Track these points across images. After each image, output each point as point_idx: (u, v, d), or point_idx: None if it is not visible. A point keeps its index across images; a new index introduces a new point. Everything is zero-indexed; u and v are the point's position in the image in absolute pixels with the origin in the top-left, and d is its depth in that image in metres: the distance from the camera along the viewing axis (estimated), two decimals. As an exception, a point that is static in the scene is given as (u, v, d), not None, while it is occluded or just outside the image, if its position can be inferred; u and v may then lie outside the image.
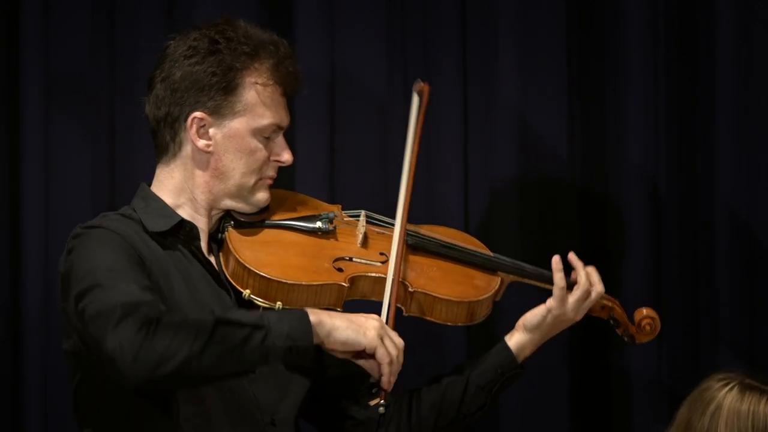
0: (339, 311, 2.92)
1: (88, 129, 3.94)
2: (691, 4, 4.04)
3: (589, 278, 3.12)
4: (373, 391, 2.81)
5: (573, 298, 3.09)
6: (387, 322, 2.85)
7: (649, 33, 4.02)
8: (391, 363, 2.76)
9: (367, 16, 4.00)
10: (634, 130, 4.02)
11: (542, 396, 4.00)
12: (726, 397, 3.14)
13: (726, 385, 3.16)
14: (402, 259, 3.00)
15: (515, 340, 3.09)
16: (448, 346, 3.96)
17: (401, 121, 3.97)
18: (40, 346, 3.89)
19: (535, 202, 4.03)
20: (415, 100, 3.16)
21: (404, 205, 3.04)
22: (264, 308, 2.90)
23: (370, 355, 2.76)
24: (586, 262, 3.19)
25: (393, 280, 2.93)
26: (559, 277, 3.08)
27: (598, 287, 3.12)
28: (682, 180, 4.04)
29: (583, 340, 4.01)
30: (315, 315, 2.72)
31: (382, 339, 2.75)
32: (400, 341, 2.79)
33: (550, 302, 3.08)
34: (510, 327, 3.14)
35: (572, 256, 3.13)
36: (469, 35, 4.02)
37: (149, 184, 3.03)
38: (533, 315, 3.09)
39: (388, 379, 2.78)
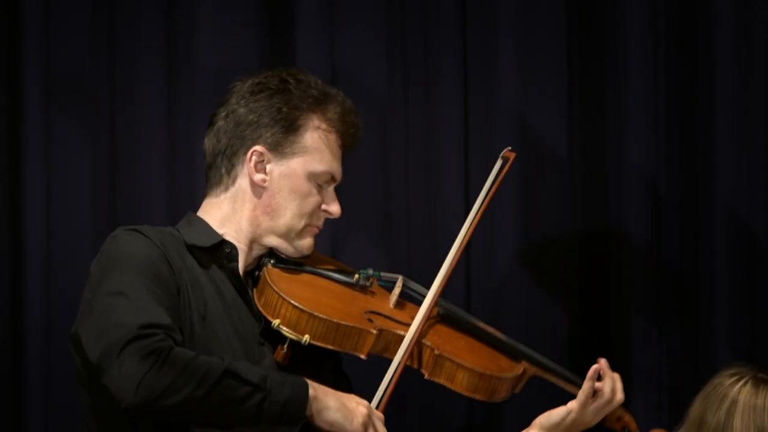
0: (362, 359, 2.94)
1: (89, 129, 3.94)
2: (691, 4, 4.05)
3: (613, 386, 3.11)
4: None
5: (595, 404, 3.09)
6: (379, 403, 2.88)
7: (649, 33, 4.03)
8: None
9: (368, 16, 4.01)
10: (634, 130, 4.03)
11: (542, 395, 4.00)
12: (740, 392, 3.14)
13: (739, 380, 3.15)
14: (427, 326, 3.01)
15: None
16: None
17: (402, 121, 4.00)
18: (42, 346, 3.88)
19: (535, 201, 4.03)
20: (498, 165, 3.19)
21: (446, 272, 3.04)
22: (291, 341, 2.90)
23: None
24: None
25: (407, 348, 2.94)
26: (588, 386, 3.08)
27: (619, 396, 3.13)
28: (682, 180, 4.05)
29: (582, 338, 4.02)
30: (314, 389, 2.75)
31: (366, 428, 2.79)
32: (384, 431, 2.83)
33: (572, 405, 3.08)
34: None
35: (604, 364, 3.12)
36: (469, 35, 4.03)
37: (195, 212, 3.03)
38: (552, 416, 3.10)
39: None
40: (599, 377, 3.10)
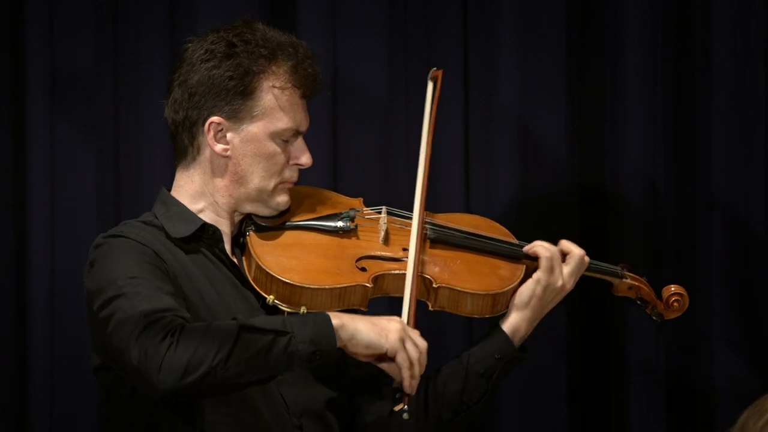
0: (363, 311, 2.92)
1: (92, 127, 3.95)
2: (688, 2, 4.05)
3: (569, 247, 3.10)
4: (396, 396, 2.79)
5: (566, 269, 3.07)
6: (408, 320, 2.84)
7: (647, 32, 4.03)
8: (412, 366, 2.75)
9: (369, 16, 4.01)
10: (633, 128, 4.03)
11: (540, 390, 4.01)
12: None
13: None
14: (421, 255, 2.99)
15: (508, 321, 3.04)
16: (449, 334, 3.98)
17: (403, 121, 4.01)
18: (46, 347, 3.89)
19: (536, 200, 4.04)
20: (429, 87, 3.16)
21: (421, 199, 3.02)
22: (289, 314, 2.89)
23: (392, 358, 2.74)
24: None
25: (412, 278, 2.90)
26: (542, 248, 3.07)
27: (577, 251, 3.09)
28: (681, 177, 4.05)
29: (581, 334, 4.03)
30: (337, 318, 2.71)
31: (403, 342, 2.74)
32: (422, 343, 2.78)
33: (537, 274, 3.04)
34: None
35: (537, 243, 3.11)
36: (469, 35, 4.03)
37: (169, 188, 3.02)
38: (522, 291, 3.04)
39: (409, 383, 2.76)
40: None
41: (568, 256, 3.09)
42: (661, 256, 4.03)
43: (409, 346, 2.75)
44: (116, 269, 2.78)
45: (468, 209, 4.02)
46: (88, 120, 3.94)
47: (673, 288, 3.19)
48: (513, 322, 3.05)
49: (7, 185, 3.91)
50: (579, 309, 4.01)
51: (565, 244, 3.11)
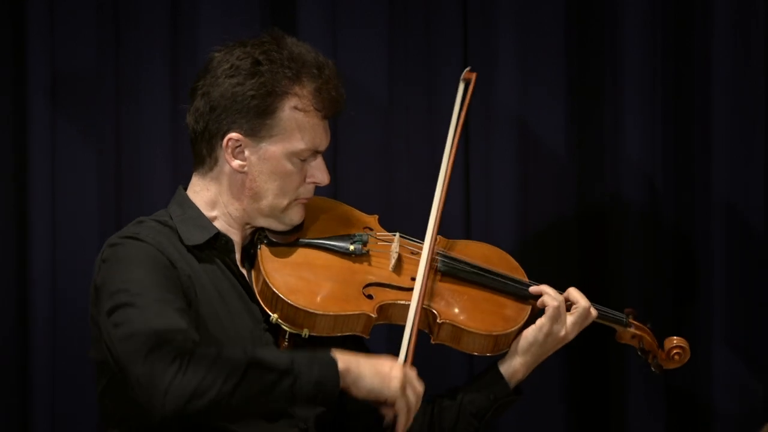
0: (365, 338, 2.94)
1: (94, 128, 3.94)
2: (688, 2, 4.05)
3: (582, 297, 3.10)
4: None
5: (570, 319, 3.08)
6: (406, 356, 2.85)
7: (647, 32, 4.03)
8: (408, 412, 2.78)
9: (369, 17, 4.00)
10: (633, 128, 4.03)
11: (539, 391, 4.01)
12: None
13: None
14: (429, 285, 2.99)
15: (507, 364, 3.08)
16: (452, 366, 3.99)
17: (403, 122, 4.01)
18: (48, 346, 3.88)
19: (535, 200, 4.04)
20: (461, 88, 3.15)
21: (434, 228, 3.02)
22: (291, 334, 2.90)
23: (390, 403, 2.77)
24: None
25: (415, 315, 2.90)
26: (549, 299, 3.07)
27: (583, 303, 3.10)
28: (680, 177, 4.05)
29: (580, 338, 4.03)
30: (343, 362, 2.73)
31: (404, 389, 2.77)
32: (420, 389, 2.81)
33: (541, 320, 3.06)
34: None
35: (537, 287, 3.11)
36: (469, 35, 4.03)
37: (185, 187, 3.02)
38: (524, 336, 3.06)
39: (402, 428, 2.79)
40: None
41: (573, 307, 3.11)
42: (660, 257, 4.03)
43: (409, 392, 2.79)
44: (130, 274, 2.78)
45: (467, 209, 4.01)
46: (88, 120, 3.94)
47: (675, 340, 3.19)
48: (511, 366, 3.08)
49: (8, 185, 3.91)
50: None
51: (573, 294, 3.11)
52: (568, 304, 3.10)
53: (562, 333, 3.08)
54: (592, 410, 4.04)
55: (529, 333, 3.06)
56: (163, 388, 2.63)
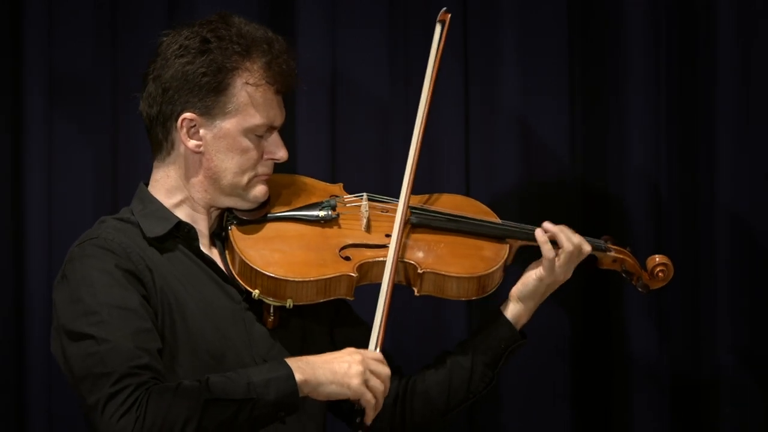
0: (350, 300, 2.96)
1: (91, 128, 3.95)
2: (691, 4, 4.04)
3: (568, 238, 3.10)
4: (357, 420, 2.84)
5: (559, 262, 3.09)
6: (377, 342, 2.87)
7: (650, 34, 4.03)
8: (375, 404, 2.82)
9: (369, 17, 4.01)
10: (636, 130, 4.03)
11: (542, 390, 4.00)
12: None
13: None
14: (404, 240, 3.01)
15: (511, 311, 3.10)
16: (448, 318, 3.97)
17: (403, 121, 4.00)
18: (43, 347, 3.89)
19: (537, 202, 4.03)
20: (437, 31, 3.16)
21: (408, 184, 3.04)
22: (276, 307, 2.91)
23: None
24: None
25: (386, 300, 2.91)
26: (547, 249, 3.08)
27: (577, 243, 3.10)
28: (683, 180, 4.05)
29: (583, 338, 4.02)
30: (300, 373, 2.75)
31: (366, 382, 2.79)
32: (384, 373, 2.83)
33: (540, 272, 3.08)
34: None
35: (547, 225, 3.12)
36: (470, 35, 4.03)
37: (147, 184, 3.03)
38: (525, 285, 3.10)
39: (371, 417, 2.82)
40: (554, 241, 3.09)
41: (560, 250, 3.11)
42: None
43: (372, 383, 2.81)
44: (91, 294, 2.79)
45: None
46: (86, 120, 3.95)
47: (657, 258, 3.21)
48: (515, 312, 3.10)
49: (5, 185, 3.91)
50: (581, 308, 4.00)
51: (562, 237, 3.11)
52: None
53: (561, 278, 3.10)
54: (595, 410, 4.03)
55: (530, 282, 3.09)
56: None
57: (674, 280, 4.01)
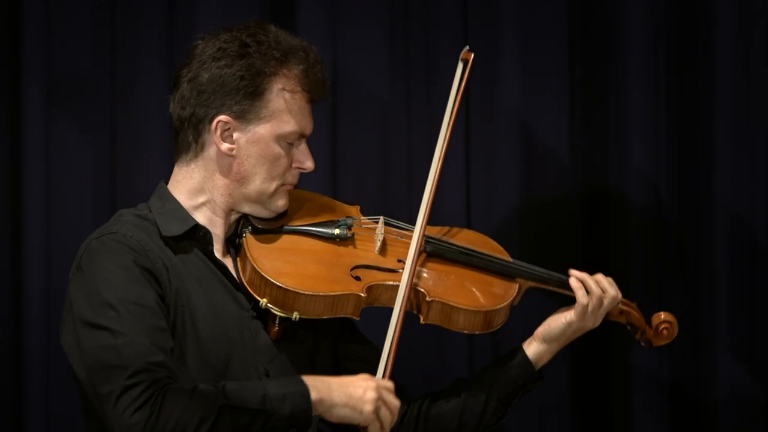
0: (356, 320, 2.96)
1: (90, 128, 3.94)
2: (691, 5, 4.04)
3: (600, 286, 3.10)
4: None
5: (592, 308, 3.08)
6: (385, 371, 2.86)
7: (650, 35, 4.03)
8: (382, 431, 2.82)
9: (369, 16, 4.00)
10: (636, 131, 4.03)
11: (542, 392, 4.00)
12: None
13: None
14: (419, 267, 3.00)
15: (534, 350, 3.09)
16: (449, 348, 3.97)
17: (404, 122, 4.00)
18: (41, 347, 3.89)
19: (537, 202, 4.03)
20: (459, 68, 3.17)
21: (426, 210, 3.03)
22: (281, 318, 2.91)
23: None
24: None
25: (396, 328, 2.91)
26: (581, 295, 3.07)
27: (611, 292, 3.11)
28: (683, 179, 4.05)
29: (583, 338, 4.02)
30: (316, 392, 2.75)
31: (377, 412, 2.79)
32: (395, 405, 2.82)
33: (571, 316, 3.07)
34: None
35: (576, 273, 3.11)
36: (470, 35, 4.02)
37: (167, 182, 3.01)
38: (553, 327, 3.08)
39: None
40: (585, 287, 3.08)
41: (602, 296, 3.11)
42: (664, 261, 4.02)
43: (382, 413, 2.81)
44: (109, 289, 2.77)
45: (468, 212, 4.01)
46: (85, 119, 3.94)
47: (662, 315, 3.21)
48: (537, 352, 3.09)
49: (4, 185, 3.90)
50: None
51: (603, 283, 3.12)
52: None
53: (590, 324, 3.10)
54: (596, 414, 4.03)
55: (558, 325, 3.07)
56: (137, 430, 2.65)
57: (674, 279, 4.03)
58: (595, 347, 4.01)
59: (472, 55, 3.16)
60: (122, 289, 2.77)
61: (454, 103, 3.12)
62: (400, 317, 2.90)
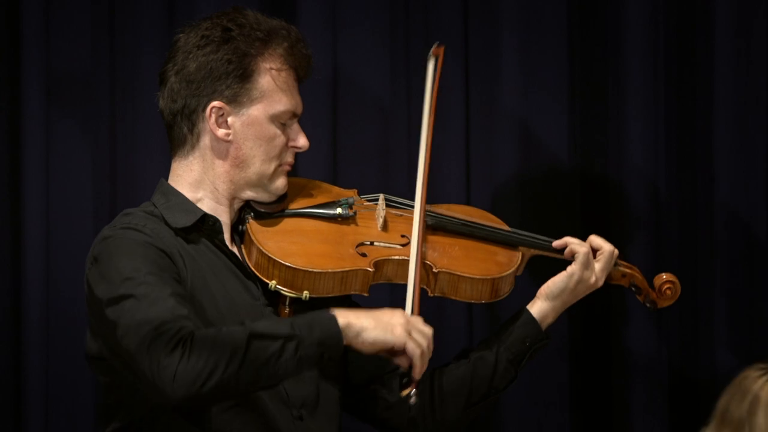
0: (365, 296, 2.96)
1: (89, 127, 3.95)
2: (690, 4, 4.05)
3: (600, 242, 3.15)
4: (404, 381, 2.81)
5: (599, 264, 3.11)
6: (413, 308, 2.86)
7: (649, 33, 4.04)
8: (422, 354, 2.77)
9: (370, 16, 4.01)
10: (635, 129, 4.04)
11: (542, 389, 4.00)
12: (763, 388, 3.15)
13: (762, 375, 3.15)
14: (423, 241, 3.01)
15: (537, 309, 3.10)
16: (450, 324, 3.97)
17: (404, 121, 4.00)
18: (41, 346, 3.89)
19: (537, 200, 4.04)
20: (430, 65, 3.16)
21: (423, 184, 3.04)
22: (291, 299, 2.91)
23: (400, 351, 2.76)
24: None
25: (416, 266, 2.93)
26: (576, 242, 3.11)
27: (606, 246, 3.15)
28: (682, 178, 4.05)
29: (582, 334, 4.02)
30: (343, 317, 2.73)
31: (410, 333, 2.76)
32: (428, 330, 2.80)
33: (572, 267, 3.10)
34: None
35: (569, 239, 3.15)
36: (470, 35, 4.03)
37: (167, 179, 3.02)
38: (555, 283, 3.10)
39: (418, 370, 2.78)
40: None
41: (599, 252, 3.15)
42: (662, 256, 4.02)
43: (415, 335, 2.77)
44: (125, 265, 2.78)
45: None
46: (84, 118, 3.94)
47: (664, 276, 3.23)
48: (542, 310, 3.10)
49: (4, 185, 3.91)
50: (580, 308, 3.99)
51: (596, 240, 3.16)
52: (594, 251, 3.14)
53: (593, 279, 3.12)
54: (595, 410, 4.03)
55: (560, 279, 3.09)
56: (170, 376, 2.64)
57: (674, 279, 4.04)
58: (594, 346, 4.01)
59: (443, 49, 3.16)
60: (140, 263, 2.78)
61: (431, 102, 3.13)
62: (417, 293, 2.90)
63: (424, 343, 2.77)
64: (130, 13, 3.95)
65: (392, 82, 4.00)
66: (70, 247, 3.91)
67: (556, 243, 3.14)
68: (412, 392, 2.80)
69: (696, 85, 4.05)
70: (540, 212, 4.03)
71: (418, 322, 2.80)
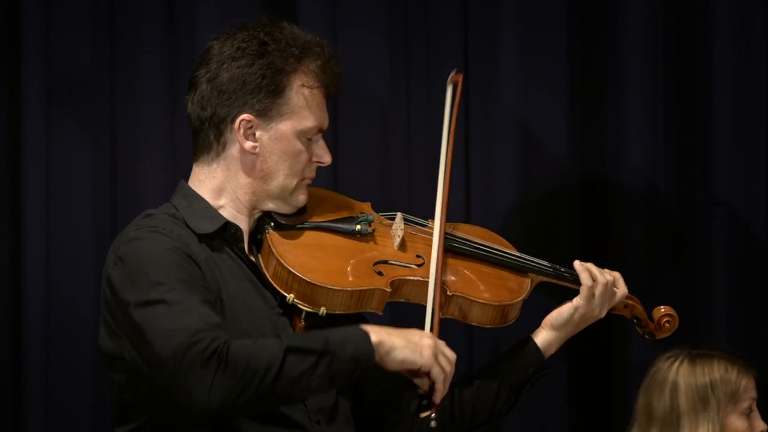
0: (378, 315, 2.95)
1: (89, 127, 3.95)
2: (689, 3, 4.05)
3: (605, 276, 3.13)
4: (423, 403, 2.80)
5: (597, 292, 3.10)
6: (432, 329, 2.87)
7: (648, 31, 4.04)
8: (445, 380, 2.78)
9: (369, 16, 4.01)
10: (634, 129, 4.04)
11: (541, 391, 4.00)
12: (678, 372, 3.21)
13: (674, 361, 3.20)
14: (442, 264, 3.01)
15: (542, 338, 3.11)
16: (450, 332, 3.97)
17: (404, 121, 4.01)
18: (41, 346, 3.89)
19: (536, 200, 4.04)
20: (449, 91, 3.15)
21: (442, 210, 3.03)
22: (307, 313, 2.91)
23: (424, 372, 2.77)
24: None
25: (435, 288, 2.93)
26: (585, 277, 3.10)
27: (622, 289, 3.14)
28: (681, 178, 4.06)
29: (582, 337, 4.02)
30: (375, 334, 2.73)
31: (437, 357, 2.77)
32: (452, 355, 2.81)
33: (577, 300, 3.10)
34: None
35: (580, 264, 3.14)
36: (470, 35, 4.03)
37: (187, 180, 3.01)
38: (560, 313, 3.10)
39: (440, 395, 2.79)
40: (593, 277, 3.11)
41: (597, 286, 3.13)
42: (662, 256, 4.03)
43: (441, 360, 2.78)
44: (155, 269, 2.77)
45: (468, 210, 4.01)
46: (84, 118, 3.94)
47: (663, 309, 3.23)
48: (546, 340, 3.12)
49: (4, 184, 3.91)
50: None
51: (600, 273, 3.14)
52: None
53: (596, 312, 3.12)
54: (594, 411, 4.03)
55: (566, 310, 3.10)
56: (205, 387, 2.63)
57: (672, 279, 4.04)
58: (594, 346, 4.01)
59: (462, 77, 3.15)
60: (169, 269, 2.77)
61: (449, 129, 3.12)
62: (436, 315, 2.90)
63: (448, 368, 2.78)
64: (130, 13, 3.95)
65: (392, 82, 4.00)
66: (70, 247, 3.91)
67: (577, 265, 3.13)
68: (432, 415, 2.80)
69: (695, 85, 4.06)
70: (540, 212, 4.04)
71: (444, 346, 2.81)
